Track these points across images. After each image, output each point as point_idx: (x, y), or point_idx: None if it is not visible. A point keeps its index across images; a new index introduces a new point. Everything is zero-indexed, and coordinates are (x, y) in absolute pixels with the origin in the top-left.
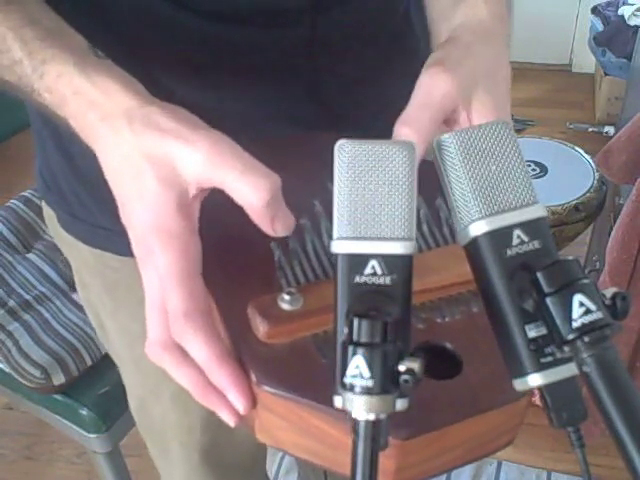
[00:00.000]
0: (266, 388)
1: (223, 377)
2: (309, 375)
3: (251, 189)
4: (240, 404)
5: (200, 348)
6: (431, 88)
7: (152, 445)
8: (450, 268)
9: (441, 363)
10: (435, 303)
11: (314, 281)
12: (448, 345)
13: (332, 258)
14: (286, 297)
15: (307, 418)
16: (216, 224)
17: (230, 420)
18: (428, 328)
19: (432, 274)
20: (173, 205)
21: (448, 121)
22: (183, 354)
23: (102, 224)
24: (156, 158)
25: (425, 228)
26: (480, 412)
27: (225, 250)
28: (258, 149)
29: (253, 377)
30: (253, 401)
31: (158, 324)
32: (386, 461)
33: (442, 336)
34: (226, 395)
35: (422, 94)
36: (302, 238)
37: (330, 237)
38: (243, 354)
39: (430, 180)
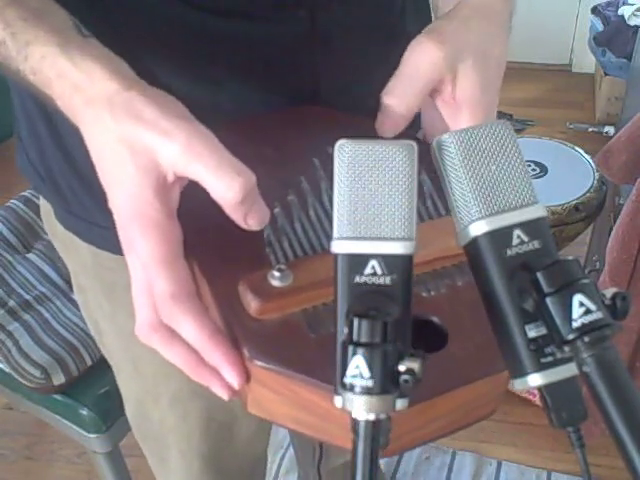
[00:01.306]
0: (258, 363)
1: (215, 354)
2: (300, 349)
3: (224, 186)
4: (234, 379)
5: (190, 328)
6: (417, 58)
7: (150, 453)
8: (434, 243)
9: (428, 336)
10: (420, 277)
11: (303, 257)
12: (434, 318)
13: (320, 233)
14: (276, 274)
15: (298, 391)
16: (204, 203)
17: (224, 394)
18: (414, 302)
19: (417, 249)
20: (151, 191)
21: (433, 92)
22: (172, 334)
23: (98, 221)
24: (135, 146)
25: None
26: (467, 382)
27: (214, 229)
28: (245, 126)
29: (246, 352)
30: (246, 376)
31: (145, 306)
32: None
33: (428, 309)
34: (220, 371)
35: (409, 64)
36: (290, 214)
37: (316, 212)
38: (235, 330)
39: None
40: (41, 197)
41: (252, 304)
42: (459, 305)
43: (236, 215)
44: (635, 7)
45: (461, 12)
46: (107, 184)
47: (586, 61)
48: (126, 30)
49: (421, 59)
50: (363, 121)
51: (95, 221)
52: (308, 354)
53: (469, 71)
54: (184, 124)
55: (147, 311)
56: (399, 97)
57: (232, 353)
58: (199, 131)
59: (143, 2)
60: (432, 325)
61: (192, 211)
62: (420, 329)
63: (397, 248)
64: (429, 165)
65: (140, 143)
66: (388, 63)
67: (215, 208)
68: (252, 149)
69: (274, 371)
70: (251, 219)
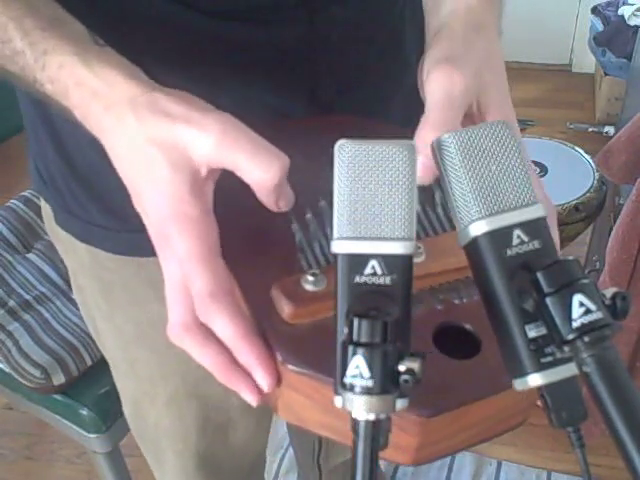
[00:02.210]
0: (291, 367)
1: (249, 354)
2: (332, 354)
3: (262, 170)
4: (265, 381)
5: (227, 326)
6: (450, 88)
7: (147, 452)
8: None
9: (460, 343)
10: (452, 284)
11: (334, 262)
12: (467, 326)
13: None
14: (310, 278)
15: (330, 396)
16: (236, 207)
17: (252, 400)
18: (446, 309)
19: (450, 256)
20: (187, 188)
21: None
22: (205, 335)
23: (97, 221)
24: (165, 143)
25: (440, 210)
26: (499, 391)
27: (246, 233)
28: (273, 132)
29: (279, 356)
30: (278, 379)
31: (180, 305)
32: (409, 438)
33: (460, 317)
34: (252, 372)
35: (442, 95)
36: (322, 220)
37: None
38: (267, 334)
39: None
40: (42, 200)
41: (285, 308)
42: None
43: (269, 199)
44: (635, 7)
45: (457, 29)
46: (137, 188)
47: (586, 61)
48: (125, 33)
49: (454, 89)
50: (394, 130)
51: (94, 221)
52: None
53: (488, 86)
54: (215, 115)
55: (182, 311)
56: (445, 131)
57: (265, 354)
58: (231, 121)
59: (142, 5)
60: (465, 332)
61: (223, 216)
62: (453, 336)
63: (397, 248)
64: None
65: (171, 139)
66: (386, 67)
67: (247, 212)
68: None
69: (306, 375)
70: (282, 201)
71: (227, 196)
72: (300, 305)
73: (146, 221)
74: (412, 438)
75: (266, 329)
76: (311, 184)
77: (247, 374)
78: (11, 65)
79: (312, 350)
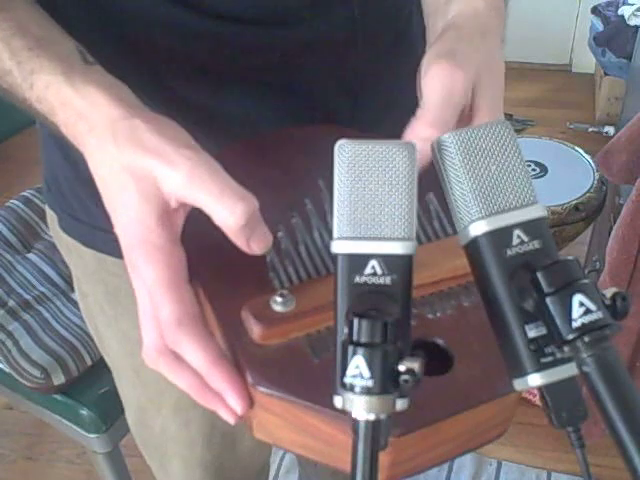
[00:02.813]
0: (262, 389)
1: (219, 380)
2: (303, 375)
3: (227, 213)
4: (237, 405)
5: (195, 353)
6: (451, 86)
7: (151, 460)
8: (441, 263)
9: (433, 359)
10: (426, 298)
11: (306, 280)
12: (440, 341)
13: (324, 255)
14: (278, 299)
15: (302, 417)
16: (209, 227)
17: (229, 419)
18: (419, 324)
19: (423, 270)
20: (154, 218)
21: None
22: (178, 358)
23: (102, 226)
24: (137, 173)
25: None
26: (472, 407)
27: (219, 253)
28: (250, 146)
29: (249, 378)
30: (250, 401)
31: (152, 330)
32: (382, 456)
33: (433, 332)
34: (224, 397)
35: (441, 92)
36: (294, 237)
37: (321, 234)
38: (239, 356)
39: (420, 175)
40: (47, 207)
41: (255, 330)
42: (465, 327)
43: (239, 240)
44: (635, 7)
45: (464, 29)
46: (111, 210)
47: (586, 61)
48: (134, 38)
49: (454, 87)
50: (369, 139)
51: (100, 226)
52: (311, 380)
53: (484, 89)
54: (187, 152)
55: (153, 336)
56: (439, 128)
57: (236, 379)
58: (202, 159)
59: (144, 8)
60: (438, 348)
61: (197, 235)
62: (425, 352)
63: (397, 248)
64: (435, 183)
65: (142, 171)
66: (392, 69)
67: (220, 232)
68: (256, 170)
69: (277, 397)
70: (254, 243)
71: (200, 214)
72: (269, 326)
73: (122, 245)
74: (384, 456)
75: (237, 350)
76: (284, 200)
77: (221, 396)
78: (1, 83)
79: (282, 372)
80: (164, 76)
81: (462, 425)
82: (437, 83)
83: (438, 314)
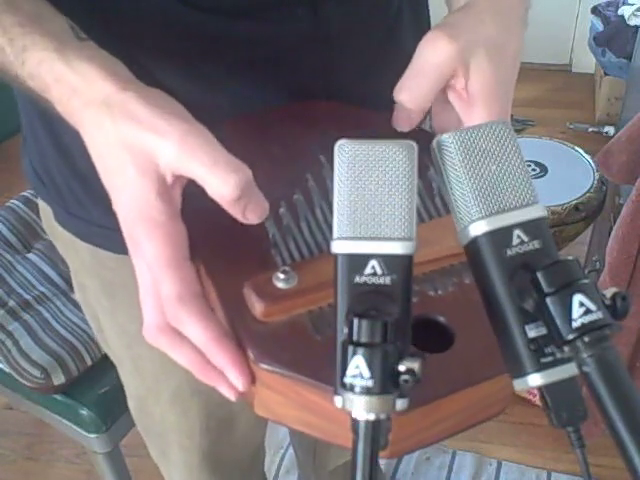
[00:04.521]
0: (264, 366)
1: (221, 357)
2: (305, 352)
3: (220, 184)
4: (239, 382)
5: (196, 330)
6: (429, 54)
7: (152, 446)
8: (442, 241)
9: (434, 336)
10: (427, 275)
11: (308, 257)
12: (441, 318)
13: (326, 232)
14: (281, 276)
15: (304, 393)
16: (210, 204)
17: (230, 395)
18: (421, 301)
19: (424, 247)
20: (153, 193)
21: (447, 87)
22: (179, 335)
23: (97, 221)
24: (133, 147)
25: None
26: (473, 384)
27: (221, 230)
28: (251, 122)
29: (251, 355)
30: (252, 378)
31: (152, 308)
32: None
33: (435, 309)
34: (225, 373)
35: (420, 59)
36: (296, 214)
37: (322, 211)
38: (241, 332)
39: (422, 150)
40: (40, 200)
41: (257, 306)
42: (466, 304)
43: (234, 210)
44: (635, 7)
45: (475, 7)
46: (110, 187)
47: (586, 61)
48: (126, 31)
49: (433, 53)
50: (370, 115)
51: (94, 221)
52: (313, 356)
53: (482, 64)
54: (178, 122)
55: (154, 313)
56: (411, 93)
57: (237, 355)
58: (194, 128)
59: (143, 3)
60: (439, 325)
61: (198, 212)
62: (426, 329)
63: (397, 248)
64: None
65: (138, 144)
66: (386, 64)
67: (221, 209)
68: (258, 146)
69: (279, 373)
70: (250, 213)
71: (201, 192)
72: (271, 303)
73: (120, 221)
74: None
75: (238, 327)
76: (285, 176)
77: (223, 372)
78: None
79: (284, 348)
80: (156, 70)
81: (463, 402)
82: (419, 52)
83: (439, 291)
